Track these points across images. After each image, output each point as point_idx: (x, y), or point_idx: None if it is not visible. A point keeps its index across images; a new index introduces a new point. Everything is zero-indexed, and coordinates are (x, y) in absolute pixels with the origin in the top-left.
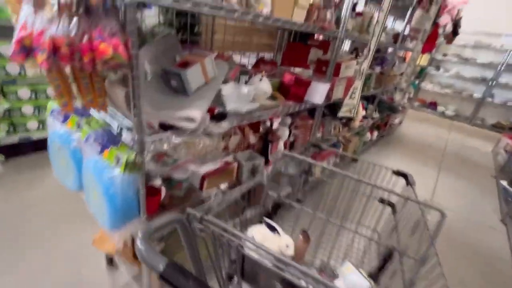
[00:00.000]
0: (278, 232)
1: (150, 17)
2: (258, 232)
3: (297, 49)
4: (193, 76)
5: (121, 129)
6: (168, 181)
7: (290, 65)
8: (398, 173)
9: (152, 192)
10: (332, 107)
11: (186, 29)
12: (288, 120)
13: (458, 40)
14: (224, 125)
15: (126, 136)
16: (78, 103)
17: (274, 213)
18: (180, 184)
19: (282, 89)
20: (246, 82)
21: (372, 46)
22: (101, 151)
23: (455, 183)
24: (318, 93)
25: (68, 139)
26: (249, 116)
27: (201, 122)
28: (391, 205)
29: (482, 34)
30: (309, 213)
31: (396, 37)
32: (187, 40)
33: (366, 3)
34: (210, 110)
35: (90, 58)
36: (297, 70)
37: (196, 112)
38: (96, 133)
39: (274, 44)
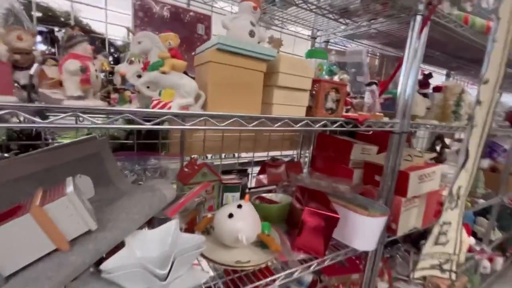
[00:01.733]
0: None
1: None
2: None
3: (332, 145)
4: (4, 244)
5: None
6: None
7: (322, 170)
8: None
9: None
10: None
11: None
12: (309, 278)
13: None
14: None
15: None
16: None
17: None
18: None
19: (291, 219)
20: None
21: (474, 145)
22: None
23: None
24: (362, 231)
25: None
26: None
27: None
28: None
29: None
30: None
31: (511, 116)
32: (134, 146)
33: (448, 75)
34: None
35: None
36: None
37: None
38: None
39: (298, 137)
